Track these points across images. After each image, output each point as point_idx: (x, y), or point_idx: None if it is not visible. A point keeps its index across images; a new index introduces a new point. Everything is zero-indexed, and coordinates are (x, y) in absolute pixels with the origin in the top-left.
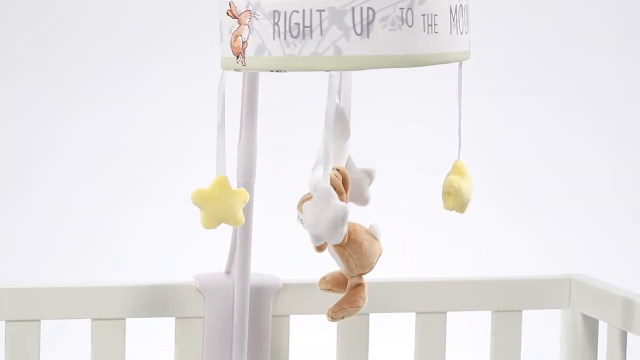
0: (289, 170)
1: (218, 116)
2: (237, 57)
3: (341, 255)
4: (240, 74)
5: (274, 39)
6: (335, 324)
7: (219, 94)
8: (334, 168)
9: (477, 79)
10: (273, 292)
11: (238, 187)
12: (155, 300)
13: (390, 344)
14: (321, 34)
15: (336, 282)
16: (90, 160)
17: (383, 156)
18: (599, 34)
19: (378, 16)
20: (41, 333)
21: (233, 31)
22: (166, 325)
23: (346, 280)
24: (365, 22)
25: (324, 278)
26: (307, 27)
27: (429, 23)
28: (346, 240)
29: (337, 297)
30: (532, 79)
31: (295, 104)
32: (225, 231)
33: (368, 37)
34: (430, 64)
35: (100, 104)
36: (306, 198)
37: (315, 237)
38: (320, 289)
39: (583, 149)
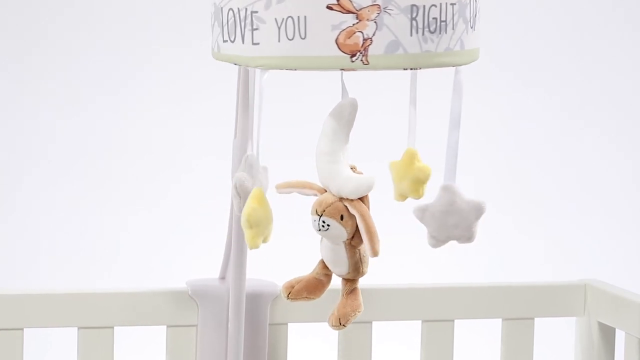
0: (287, 170)
1: (255, 120)
2: (354, 56)
3: (352, 256)
4: (236, 68)
5: (411, 35)
6: (336, 332)
7: (258, 96)
8: (351, 167)
9: (490, 74)
10: (270, 299)
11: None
12: (145, 308)
13: (395, 353)
14: (453, 29)
15: (312, 289)
16: (76, 160)
17: (385, 154)
18: (617, 27)
19: (478, 9)
20: (24, 342)
21: (344, 27)
22: (157, 334)
23: (321, 284)
24: (475, 15)
25: (291, 286)
26: (443, 21)
27: None
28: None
29: (327, 303)
30: (548, 75)
31: (293, 100)
32: (219, 234)
33: (474, 30)
34: None
35: (87, 100)
36: (332, 202)
37: (444, 240)
38: (291, 299)
39: (600, 147)
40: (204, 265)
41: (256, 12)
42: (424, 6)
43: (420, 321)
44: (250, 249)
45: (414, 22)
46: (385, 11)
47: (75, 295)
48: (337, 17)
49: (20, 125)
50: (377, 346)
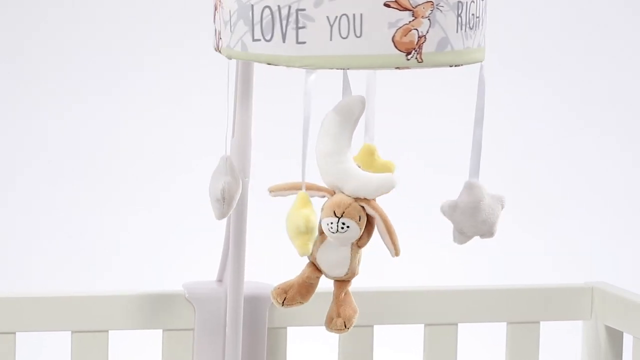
0: (286, 169)
1: (304, 122)
2: (409, 54)
3: (354, 256)
4: (234, 63)
5: (457, 31)
6: (336, 337)
7: (306, 97)
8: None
9: (495, 72)
10: (269, 302)
11: None
12: (140, 311)
13: (397, 358)
14: (482, 25)
15: (304, 293)
16: (72, 161)
17: (386, 154)
18: (626, 26)
19: None
20: (16, 347)
21: (401, 25)
22: (153, 338)
23: (312, 288)
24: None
25: (284, 292)
26: (477, 17)
27: None
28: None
29: (326, 306)
30: (554, 74)
31: (292, 96)
32: (216, 235)
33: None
34: None
35: (81, 98)
36: (349, 203)
37: (471, 236)
38: (286, 305)
39: (607, 145)
40: (200, 267)
41: (303, 9)
42: (467, 3)
43: (422, 325)
44: (302, 255)
45: (459, 19)
46: (437, 8)
47: (68, 298)
48: (394, 14)
49: (17, 125)
50: (378, 350)
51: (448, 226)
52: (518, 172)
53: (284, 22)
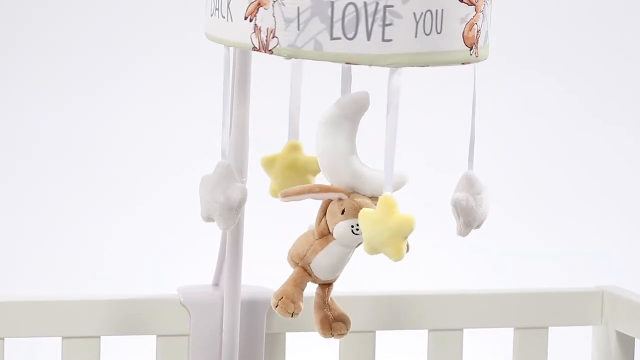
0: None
1: (389, 123)
2: (471, 49)
3: (349, 258)
4: (232, 60)
5: (489, 25)
6: (337, 343)
7: (393, 97)
8: None
9: (499, 65)
10: (267, 307)
11: None
12: (133, 316)
13: None
14: None
15: (302, 298)
16: (60, 160)
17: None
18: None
19: None
20: (5, 353)
21: (468, 20)
22: (146, 344)
23: (303, 292)
24: None
25: (292, 302)
26: None
27: None
28: None
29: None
30: (565, 70)
31: (285, 91)
32: (212, 237)
33: None
34: None
35: (69, 96)
36: (369, 203)
37: (473, 227)
38: (296, 314)
39: (618, 144)
40: (196, 270)
41: (391, 6)
42: None
43: (426, 330)
44: (397, 260)
45: (490, 12)
46: (486, 1)
47: (59, 302)
48: (464, 9)
49: (3, 125)
50: (380, 357)
51: (450, 227)
52: (526, 173)
53: (370, 19)
